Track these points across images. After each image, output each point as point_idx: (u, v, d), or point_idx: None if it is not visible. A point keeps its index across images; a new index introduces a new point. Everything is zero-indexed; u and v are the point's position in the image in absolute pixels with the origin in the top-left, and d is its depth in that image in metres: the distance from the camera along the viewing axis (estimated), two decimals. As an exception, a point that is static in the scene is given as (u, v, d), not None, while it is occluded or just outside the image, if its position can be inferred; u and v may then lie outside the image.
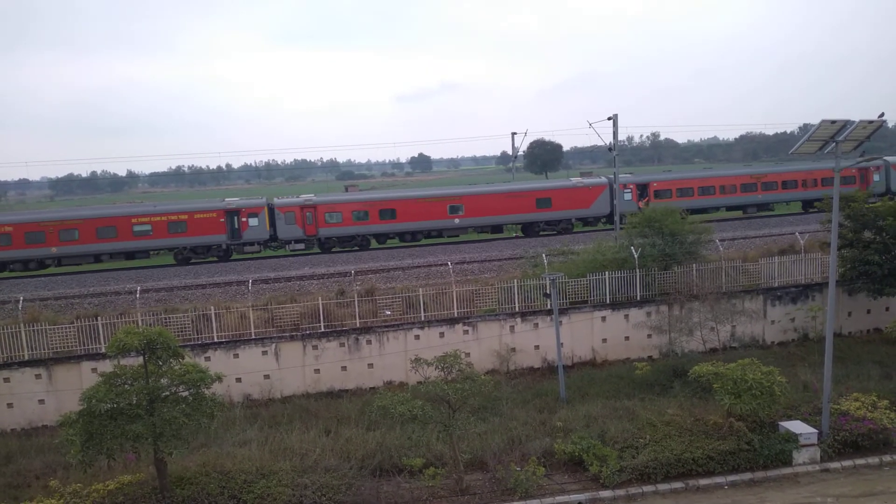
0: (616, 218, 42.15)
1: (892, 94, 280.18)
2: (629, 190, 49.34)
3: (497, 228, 49.61)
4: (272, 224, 44.66)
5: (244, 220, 44.16)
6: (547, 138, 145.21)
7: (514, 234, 49.54)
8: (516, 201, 48.32)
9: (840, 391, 22.40)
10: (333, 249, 45.44)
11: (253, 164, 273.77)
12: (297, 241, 45.07)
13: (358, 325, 27.51)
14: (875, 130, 20.47)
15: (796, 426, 20.26)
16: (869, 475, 19.45)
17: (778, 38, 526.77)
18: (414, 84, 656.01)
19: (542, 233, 48.39)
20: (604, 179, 50.16)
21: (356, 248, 45.54)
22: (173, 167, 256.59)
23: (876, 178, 52.79)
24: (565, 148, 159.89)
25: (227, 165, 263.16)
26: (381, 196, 49.25)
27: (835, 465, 19.84)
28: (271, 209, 44.68)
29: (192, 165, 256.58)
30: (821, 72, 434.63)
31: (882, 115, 20.55)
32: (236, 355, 26.36)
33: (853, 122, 19.84)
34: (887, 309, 30.86)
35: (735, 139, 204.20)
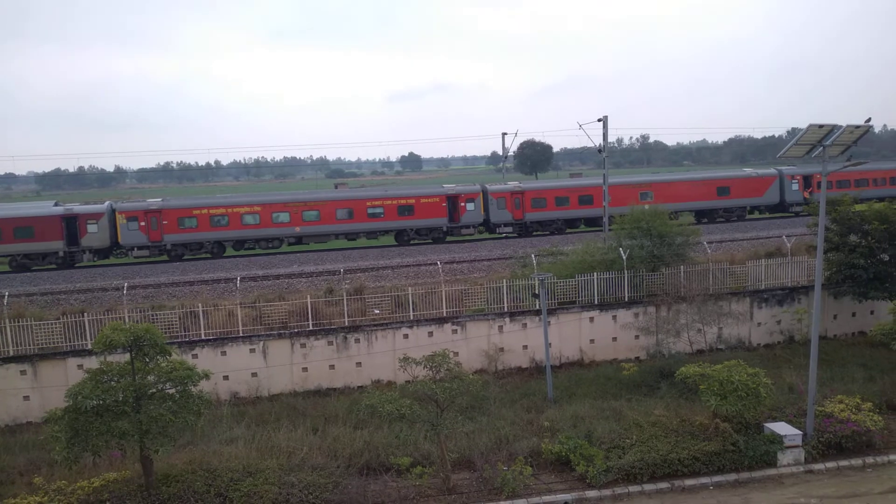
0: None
1: (887, 101, 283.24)
2: (796, 181, 51.37)
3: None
4: (486, 209, 47.05)
5: (462, 204, 47.21)
6: (537, 139, 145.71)
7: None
8: (700, 189, 50.48)
9: (825, 393, 22.59)
10: (534, 233, 48.14)
11: (242, 161, 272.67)
12: (505, 225, 47.77)
13: (346, 323, 27.47)
14: (861, 135, 20.66)
15: (781, 428, 20.42)
16: (852, 476, 19.63)
17: (773, 46, 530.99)
18: (404, 84, 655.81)
19: (718, 219, 50.77)
20: (774, 171, 52.63)
21: (554, 232, 48.04)
22: (162, 163, 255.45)
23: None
24: (555, 149, 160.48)
25: (217, 162, 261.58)
26: (578, 183, 50.95)
27: (819, 466, 20.01)
28: (485, 194, 47.15)
29: (181, 162, 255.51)
30: (816, 79, 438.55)
31: (869, 120, 20.73)
32: (224, 353, 26.26)
33: (840, 126, 20.02)
34: (872, 312, 31.15)
35: (724, 142, 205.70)
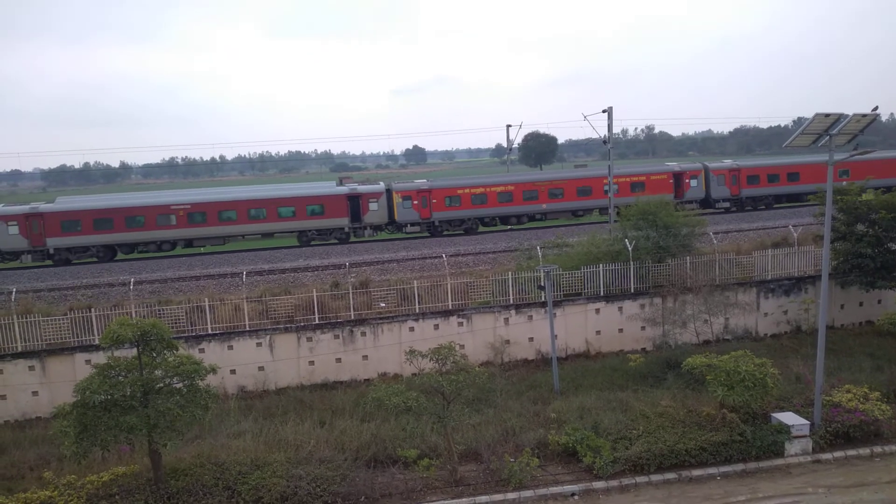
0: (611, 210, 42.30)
1: (894, 92, 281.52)
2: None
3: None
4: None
5: (687, 181, 50.02)
6: (542, 131, 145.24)
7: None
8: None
9: (832, 383, 22.52)
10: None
11: (247, 156, 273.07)
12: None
13: (352, 317, 27.51)
14: (869, 124, 20.50)
15: (788, 418, 20.38)
16: (860, 466, 19.59)
17: (783, 42, 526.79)
18: (409, 77, 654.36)
19: None
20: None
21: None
22: (167, 158, 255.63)
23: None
24: (560, 140, 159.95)
25: (221, 157, 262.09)
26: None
27: (826, 456, 19.97)
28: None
29: (186, 157, 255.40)
30: (825, 74, 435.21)
31: (876, 108, 20.56)
32: (230, 347, 26.34)
33: (847, 115, 19.88)
34: (879, 301, 31.03)
35: (729, 132, 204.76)
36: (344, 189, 46.84)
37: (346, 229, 46.09)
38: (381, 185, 48.30)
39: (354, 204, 46.13)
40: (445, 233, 47.30)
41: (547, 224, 49.85)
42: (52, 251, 42.83)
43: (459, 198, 47.14)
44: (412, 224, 47.11)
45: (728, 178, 50.62)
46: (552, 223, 49.95)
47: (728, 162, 52.08)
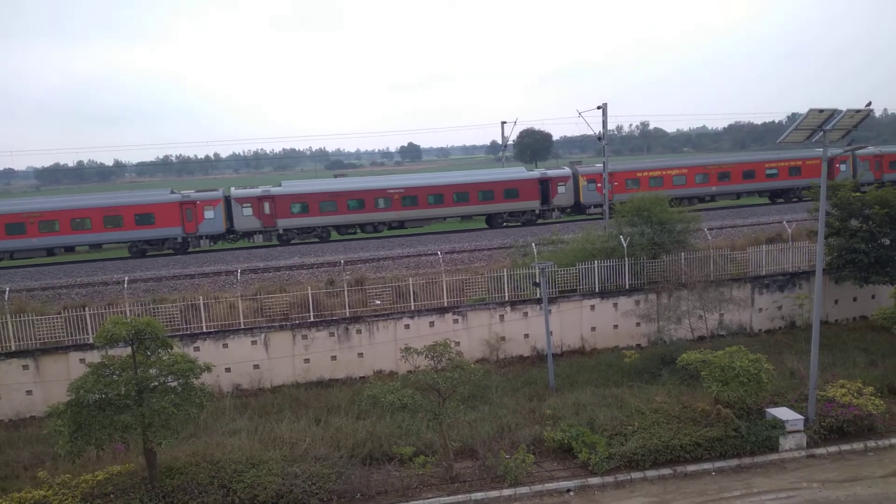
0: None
1: (887, 84, 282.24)
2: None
3: None
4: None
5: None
6: (537, 128, 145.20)
7: None
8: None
9: (826, 378, 22.61)
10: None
11: (241, 154, 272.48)
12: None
13: (348, 314, 27.49)
14: (862, 120, 20.57)
15: (783, 413, 20.46)
16: (854, 461, 19.67)
17: (773, 30, 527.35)
18: (403, 74, 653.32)
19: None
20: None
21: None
22: (161, 156, 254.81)
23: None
24: (554, 137, 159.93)
25: (216, 155, 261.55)
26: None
27: (821, 450, 20.05)
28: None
29: (180, 155, 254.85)
30: (816, 62, 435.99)
31: (869, 104, 20.64)
32: (225, 345, 26.29)
33: (841, 111, 19.92)
34: (873, 297, 31.15)
35: (724, 128, 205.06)
36: (535, 174, 50.14)
37: (537, 211, 48.89)
38: (568, 170, 50.01)
39: (545, 187, 49.07)
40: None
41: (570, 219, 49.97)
42: (281, 231, 45.03)
43: (638, 180, 49.64)
44: (595, 206, 49.24)
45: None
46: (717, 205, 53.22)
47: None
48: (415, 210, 47.01)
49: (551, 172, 50.81)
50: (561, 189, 49.13)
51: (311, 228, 45.57)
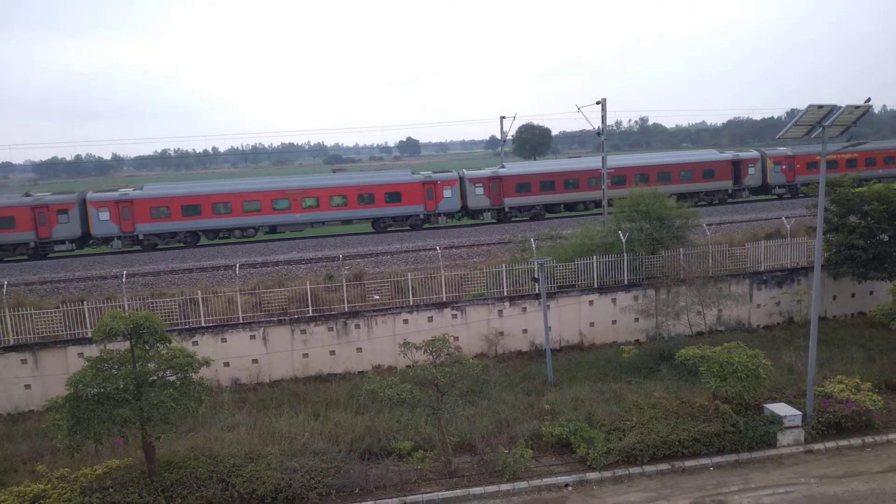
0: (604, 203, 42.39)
1: (887, 82, 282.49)
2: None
3: None
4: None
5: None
6: (536, 123, 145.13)
7: None
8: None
9: (824, 374, 22.66)
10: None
11: (239, 148, 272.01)
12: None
13: (346, 309, 27.49)
14: (861, 115, 20.53)
15: (781, 408, 20.49)
16: (851, 456, 19.73)
17: (775, 29, 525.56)
18: (403, 69, 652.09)
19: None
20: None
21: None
22: (159, 151, 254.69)
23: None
24: (554, 132, 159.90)
25: (214, 149, 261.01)
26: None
27: (818, 446, 20.09)
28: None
29: (178, 149, 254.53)
30: (817, 62, 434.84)
31: (868, 100, 20.60)
32: (224, 340, 26.29)
33: (840, 107, 19.90)
34: (871, 293, 31.19)
35: (723, 124, 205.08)
36: (728, 156, 52.72)
37: (729, 191, 52.08)
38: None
39: (737, 169, 52.27)
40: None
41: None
42: (507, 209, 48.47)
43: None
44: (780, 186, 52.98)
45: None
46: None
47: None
48: (554, 195, 49.47)
49: (744, 155, 53.07)
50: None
51: (531, 207, 48.93)
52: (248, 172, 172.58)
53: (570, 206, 49.94)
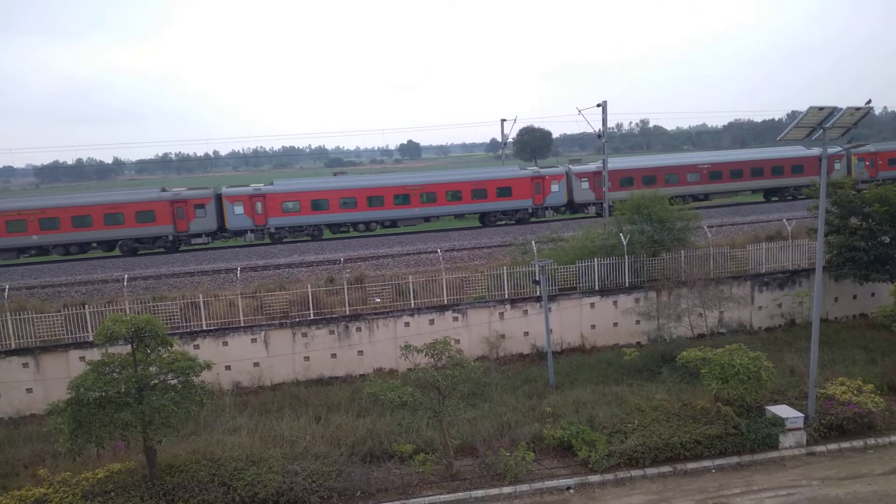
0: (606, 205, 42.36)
1: (888, 85, 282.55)
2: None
3: None
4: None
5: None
6: (536, 125, 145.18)
7: None
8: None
9: (826, 376, 22.62)
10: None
11: (241, 152, 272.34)
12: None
13: (347, 312, 27.48)
14: (862, 117, 20.55)
15: (783, 410, 20.47)
16: (854, 458, 19.69)
17: (777, 33, 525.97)
18: (403, 72, 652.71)
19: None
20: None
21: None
22: (160, 154, 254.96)
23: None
24: (554, 135, 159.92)
25: (215, 152, 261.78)
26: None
27: (820, 448, 20.07)
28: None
29: (180, 152, 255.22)
30: (819, 66, 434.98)
31: (869, 101, 20.61)
32: (225, 343, 26.29)
33: (840, 108, 19.91)
34: (873, 294, 31.15)
35: (724, 126, 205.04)
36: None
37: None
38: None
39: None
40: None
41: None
42: (577, 203, 49.53)
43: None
44: (864, 181, 50.12)
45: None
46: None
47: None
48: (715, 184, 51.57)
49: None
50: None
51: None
52: (250, 176, 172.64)
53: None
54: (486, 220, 48.64)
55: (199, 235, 44.17)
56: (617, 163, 51.68)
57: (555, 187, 48.89)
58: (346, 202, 45.76)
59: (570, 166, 51.10)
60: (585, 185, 49.33)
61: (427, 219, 47.87)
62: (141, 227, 42.94)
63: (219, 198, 44.50)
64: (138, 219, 42.92)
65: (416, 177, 49.53)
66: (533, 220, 48.87)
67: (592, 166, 50.46)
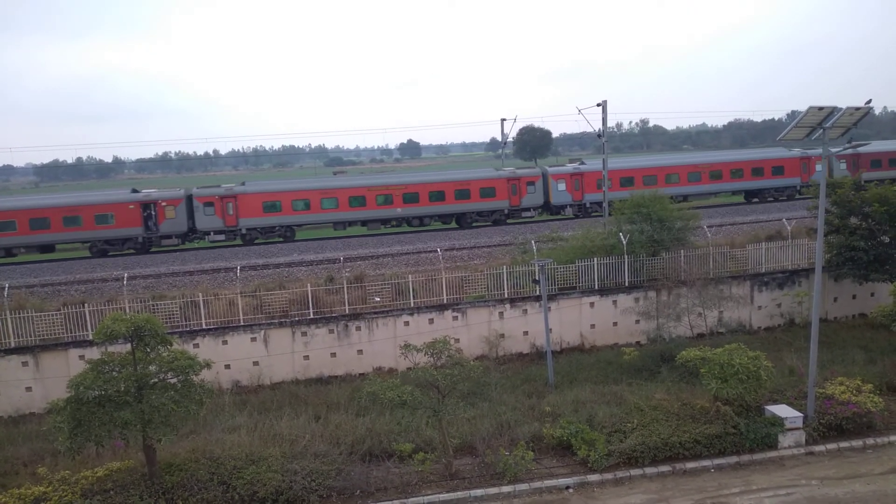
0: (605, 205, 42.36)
1: (888, 84, 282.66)
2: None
3: None
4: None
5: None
6: (536, 125, 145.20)
7: None
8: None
9: (825, 375, 22.63)
10: None
11: (240, 151, 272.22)
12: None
13: (347, 311, 27.49)
14: (862, 117, 20.54)
15: (782, 410, 20.48)
16: (853, 458, 19.71)
17: (777, 31, 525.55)
18: (403, 71, 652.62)
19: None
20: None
21: None
22: (160, 153, 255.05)
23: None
24: (554, 134, 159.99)
25: (215, 152, 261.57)
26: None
27: (819, 448, 20.08)
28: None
29: (179, 152, 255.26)
30: (819, 64, 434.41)
31: (869, 101, 20.62)
32: (225, 342, 26.30)
33: (840, 108, 19.91)
34: (872, 294, 31.17)
35: (723, 126, 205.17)
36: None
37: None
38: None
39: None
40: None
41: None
42: (553, 205, 49.85)
43: None
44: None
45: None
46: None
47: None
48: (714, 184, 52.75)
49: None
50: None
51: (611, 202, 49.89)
52: (250, 175, 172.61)
53: None
54: (462, 221, 48.25)
55: (169, 237, 43.61)
56: (594, 165, 50.78)
57: (531, 189, 48.91)
58: (327, 202, 45.66)
59: (546, 168, 51.10)
60: (562, 186, 49.42)
61: (409, 220, 47.43)
62: (110, 228, 42.56)
63: (190, 199, 43.83)
64: (107, 220, 42.66)
65: (393, 177, 49.51)
66: (510, 221, 48.83)
67: (569, 167, 50.86)
